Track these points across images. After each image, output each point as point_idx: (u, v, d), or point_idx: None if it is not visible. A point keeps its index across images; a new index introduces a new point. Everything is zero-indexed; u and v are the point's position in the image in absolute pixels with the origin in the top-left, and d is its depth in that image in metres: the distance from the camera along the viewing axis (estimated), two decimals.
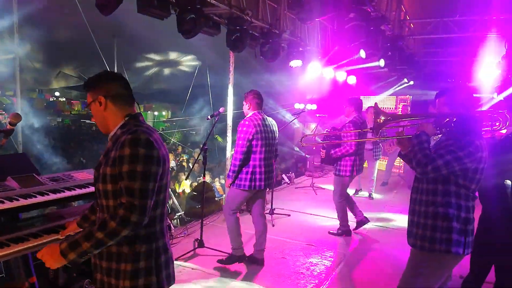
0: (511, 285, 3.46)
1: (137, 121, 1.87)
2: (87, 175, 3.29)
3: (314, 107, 14.77)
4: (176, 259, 4.43)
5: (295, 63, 7.90)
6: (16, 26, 6.45)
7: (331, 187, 9.14)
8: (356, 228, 5.58)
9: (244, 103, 4.25)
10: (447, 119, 2.50)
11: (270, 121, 4.25)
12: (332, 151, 5.22)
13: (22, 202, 2.59)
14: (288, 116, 11.46)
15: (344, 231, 5.46)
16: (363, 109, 5.42)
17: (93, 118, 1.95)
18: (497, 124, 2.60)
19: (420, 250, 2.52)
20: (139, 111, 1.96)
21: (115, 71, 12.66)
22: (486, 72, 8.13)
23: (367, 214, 5.66)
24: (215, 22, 6.29)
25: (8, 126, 2.59)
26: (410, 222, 2.64)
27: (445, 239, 2.41)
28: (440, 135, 2.63)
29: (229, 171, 4.18)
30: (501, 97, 7.67)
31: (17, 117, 2.59)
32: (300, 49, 7.92)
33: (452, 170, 2.35)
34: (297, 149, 12.85)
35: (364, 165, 5.76)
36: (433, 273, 2.50)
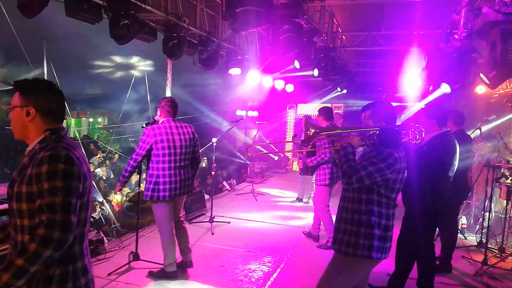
0: (432, 279, 3.79)
1: (58, 136, 1.78)
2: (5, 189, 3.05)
3: (255, 114, 15.04)
4: (110, 274, 4.24)
5: (234, 71, 7.99)
6: None
7: (272, 191, 9.47)
8: (308, 234, 5.69)
9: (157, 109, 4.22)
10: (371, 132, 2.67)
11: (185, 128, 4.21)
12: (308, 160, 5.28)
13: None
14: (226, 124, 11.55)
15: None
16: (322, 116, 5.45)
17: (12, 122, 1.83)
18: (417, 137, 2.81)
19: (343, 255, 2.66)
20: (62, 126, 1.86)
21: (45, 74, 11.86)
22: (410, 82, 8.85)
23: (307, 219, 5.80)
24: (151, 28, 6.18)
25: None
26: (336, 229, 2.78)
27: (367, 245, 2.57)
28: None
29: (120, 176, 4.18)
30: (422, 105, 8.40)
31: None
32: (239, 57, 8.03)
33: (374, 180, 2.54)
34: (238, 153, 12.96)
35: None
36: (352, 274, 2.68)
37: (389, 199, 2.62)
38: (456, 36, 4.79)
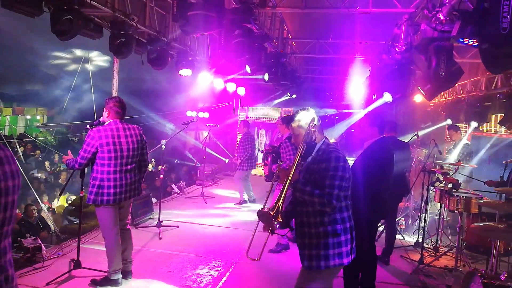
0: (374, 279, 3.95)
1: None
2: None
3: (206, 115, 14.93)
4: (48, 284, 3.99)
5: (184, 72, 7.87)
6: None
7: (222, 194, 9.42)
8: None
9: (104, 109, 4.04)
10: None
11: (133, 130, 4.08)
12: (274, 166, 5.23)
13: None
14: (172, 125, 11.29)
15: (283, 246, 5.45)
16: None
17: None
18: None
19: (316, 269, 2.60)
20: None
21: None
22: (355, 90, 9.29)
23: (251, 220, 5.85)
24: (97, 25, 5.91)
25: None
26: (301, 245, 2.70)
27: (337, 253, 2.57)
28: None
29: None
30: (365, 112, 8.86)
31: None
32: (190, 58, 7.93)
33: (344, 189, 2.56)
34: (190, 155, 12.77)
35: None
36: (326, 282, 2.69)
37: (346, 199, 2.64)
38: (397, 49, 5.13)
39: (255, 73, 6.51)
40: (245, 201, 8.01)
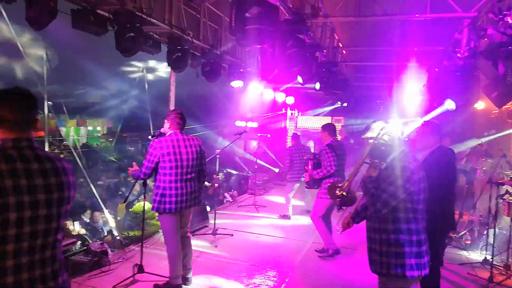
0: None
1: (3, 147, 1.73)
2: None
3: (255, 125, 15.11)
4: (114, 287, 4.22)
5: (236, 83, 8.08)
6: None
7: (274, 201, 9.42)
8: (320, 253, 5.60)
9: (165, 121, 4.23)
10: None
11: (192, 140, 4.23)
12: (314, 172, 5.37)
13: None
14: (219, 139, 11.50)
15: (333, 250, 5.44)
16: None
17: None
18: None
19: (379, 275, 2.69)
20: (22, 136, 1.77)
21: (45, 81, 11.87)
22: (409, 98, 8.95)
23: (311, 233, 5.78)
24: (156, 41, 6.24)
25: None
26: (369, 249, 2.77)
27: (400, 264, 2.56)
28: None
29: None
30: (423, 120, 8.48)
31: None
32: (241, 70, 8.13)
33: (398, 199, 2.54)
34: (242, 164, 12.94)
35: None
36: None
37: (416, 212, 2.60)
38: (458, 55, 4.89)
39: (306, 82, 6.51)
40: (288, 217, 7.72)
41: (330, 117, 11.76)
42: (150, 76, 16.98)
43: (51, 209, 1.78)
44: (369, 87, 12.35)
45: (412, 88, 8.86)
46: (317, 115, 12.35)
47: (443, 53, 6.16)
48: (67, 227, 6.58)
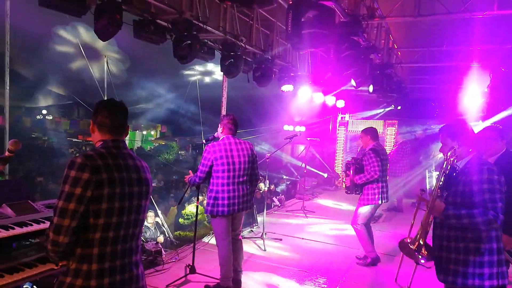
0: None
1: (102, 146, 2.01)
2: None
3: (303, 129, 14.99)
4: (168, 286, 4.36)
5: (286, 87, 8.07)
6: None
7: (323, 207, 9.29)
8: (360, 260, 5.48)
9: (219, 125, 4.32)
10: (453, 149, 2.52)
11: (244, 144, 4.27)
12: (357, 177, 5.26)
13: (18, 231, 2.54)
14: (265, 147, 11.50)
15: (372, 259, 5.33)
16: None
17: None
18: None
19: (451, 285, 2.49)
20: (115, 138, 2.05)
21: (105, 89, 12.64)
22: (471, 100, 8.41)
23: (357, 239, 5.66)
24: (210, 48, 6.41)
25: (7, 153, 2.55)
26: (439, 258, 2.58)
27: (478, 273, 2.40)
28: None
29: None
30: (487, 124, 7.94)
31: (17, 144, 2.56)
32: (292, 74, 8.11)
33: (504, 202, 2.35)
34: (292, 168, 12.91)
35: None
36: None
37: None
38: None
39: (360, 85, 6.35)
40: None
41: (382, 121, 11.37)
42: (207, 79, 17.54)
43: (141, 201, 2.03)
44: (425, 89, 11.79)
45: (473, 90, 8.32)
46: (369, 118, 11.97)
47: (510, 52, 5.71)
48: None
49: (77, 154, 1.98)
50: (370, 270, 5.25)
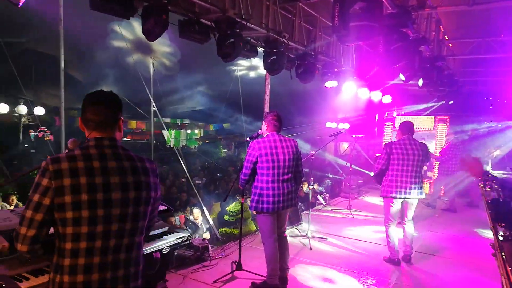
0: None
1: (81, 146, 1.81)
2: None
3: (346, 126, 14.64)
4: (215, 282, 4.41)
5: (330, 83, 7.91)
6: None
7: (370, 207, 9.00)
8: (389, 260, 5.32)
9: (263, 122, 4.29)
10: None
11: (289, 141, 4.21)
12: (374, 167, 5.47)
13: None
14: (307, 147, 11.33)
15: (388, 258, 5.28)
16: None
17: None
18: None
19: None
20: (99, 136, 1.82)
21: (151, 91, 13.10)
22: None
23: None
24: (252, 45, 6.42)
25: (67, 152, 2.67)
26: None
27: None
28: None
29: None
30: None
31: (75, 143, 2.67)
32: (335, 69, 7.93)
33: None
34: (338, 167, 12.67)
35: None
36: None
37: None
38: None
39: (409, 79, 6.07)
40: (433, 206, 8.19)
41: (432, 117, 10.82)
42: (252, 74, 17.69)
43: (126, 208, 1.77)
44: (478, 83, 11.08)
45: None
46: (418, 114, 11.42)
47: None
48: (174, 223, 7.09)
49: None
50: (422, 273, 5.01)
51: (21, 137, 18.01)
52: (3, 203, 7.08)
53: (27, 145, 18.72)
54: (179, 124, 25.13)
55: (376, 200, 9.65)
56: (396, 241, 5.20)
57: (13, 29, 14.60)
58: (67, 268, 1.68)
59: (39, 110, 16.43)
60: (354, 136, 9.19)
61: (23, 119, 17.42)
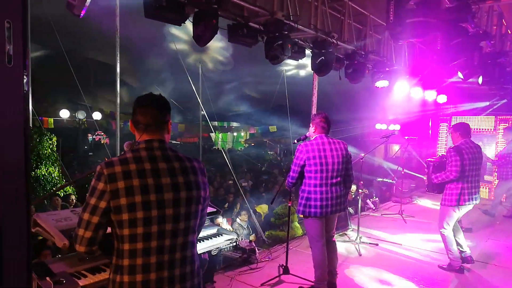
0: None
1: (133, 149, 1.85)
2: None
3: (397, 127, 14.05)
4: (262, 284, 4.40)
5: (381, 83, 7.63)
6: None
7: (423, 212, 8.52)
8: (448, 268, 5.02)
9: (310, 125, 4.18)
10: None
11: (338, 144, 4.08)
12: (433, 176, 4.95)
13: None
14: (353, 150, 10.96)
15: (449, 265, 5.01)
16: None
17: None
18: None
19: None
20: (152, 138, 1.86)
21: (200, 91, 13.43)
22: None
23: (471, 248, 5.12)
24: (300, 47, 6.35)
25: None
26: None
27: None
28: None
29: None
30: None
31: (131, 146, 2.75)
32: (387, 69, 7.63)
33: None
34: (389, 171, 12.22)
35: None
36: None
37: None
38: None
39: (468, 77, 5.69)
40: (492, 214, 7.70)
41: (493, 117, 10.08)
42: (302, 73, 17.55)
43: (179, 208, 1.81)
44: None
45: None
46: (477, 114, 10.64)
47: None
48: (221, 225, 7.19)
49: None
50: (485, 284, 4.66)
51: (80, 140, 19.28)
52: (63, 202, 7.58)
53: (86, 147, 19.98)
54: (226, 127, 25.57)
55: (429, 203, 9.16)
56: (455, 247, 4.91)
57: (74, 39, 15.66)
58: (127, 268, 1.74)
59: (97, 115, 17.53)
60: (406, 137, 8.77)
61: (82, 124, 18.65)
